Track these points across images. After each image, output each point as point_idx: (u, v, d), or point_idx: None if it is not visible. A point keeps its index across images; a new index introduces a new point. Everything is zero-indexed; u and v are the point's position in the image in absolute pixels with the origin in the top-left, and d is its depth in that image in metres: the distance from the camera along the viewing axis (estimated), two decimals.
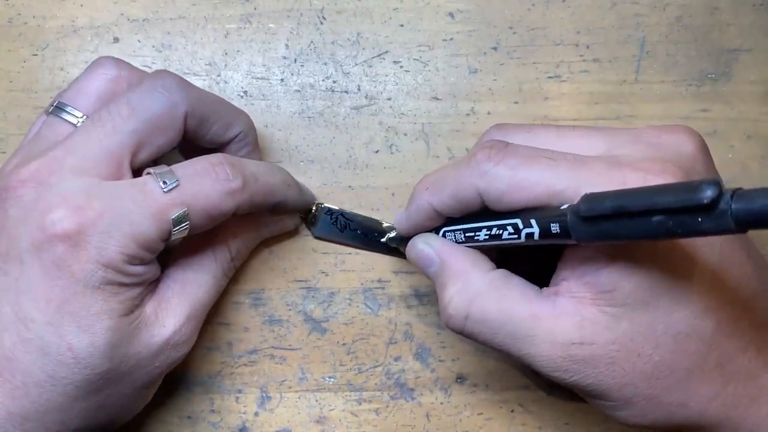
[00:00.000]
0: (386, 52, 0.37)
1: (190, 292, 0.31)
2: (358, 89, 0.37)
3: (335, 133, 0.37)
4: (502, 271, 0.29)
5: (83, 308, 0.27)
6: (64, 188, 0.28)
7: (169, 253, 0.31)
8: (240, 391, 0.36)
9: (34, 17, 0.37)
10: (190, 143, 0.32)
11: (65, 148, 0.29)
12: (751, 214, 0.19)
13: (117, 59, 0.32)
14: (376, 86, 0.37)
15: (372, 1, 0.37)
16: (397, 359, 0.36)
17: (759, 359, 0.28)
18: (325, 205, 0.36)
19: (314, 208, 0.36)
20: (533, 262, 0.31)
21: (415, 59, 0.37)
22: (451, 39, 0.37)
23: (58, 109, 0.30)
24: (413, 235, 0.32)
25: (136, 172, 0.29)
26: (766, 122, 0.37)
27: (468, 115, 0.37)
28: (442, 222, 0.30)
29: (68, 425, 0.29)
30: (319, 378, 0.36)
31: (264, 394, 0.36)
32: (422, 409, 0.36)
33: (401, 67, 0.37)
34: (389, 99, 0.37)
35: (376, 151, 0.37)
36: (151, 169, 0.29)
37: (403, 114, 0.37)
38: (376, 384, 0.36)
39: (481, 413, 0.36)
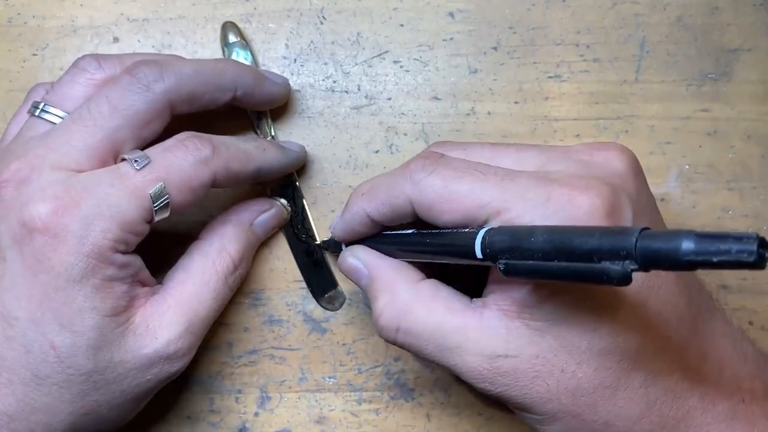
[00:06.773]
0: (386, 52, 0.37)
1: (189, 307, 0.31)
2: (358, 89, 0.37)
3: (335, 133, 0.37)
4: (430, 282, 0.29)
5: (65, 304, 0.27)
6: (43, 182, 0.28)
7: (167, 266, 0.31)
8: (240, 391, 0.36)
9: (34, 17, 0.37)
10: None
11: (45, 145, 0.29)
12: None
13: (99, 58, 0.31)
14: (376, 86, 0.37)
15: (372, 1, 0.37)
16: (397, 359, 0.36)
17: (685, 380, 0.27)
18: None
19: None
20: (464, 270, 0.31)
21: (415, 59, 0.37)
22: (451, 39, 0.37)
23: (44, 111, 0.31)
24: (347, 241, 0.32)
25: None
26: (766, 122, 0.37)
27: (468, 115, 0.37)
28: (376, 230, 0.31)
29: (54, 428, 0.29)
30: (319, 378, 0.36)
31: (264, 394, 0.36)
32: (422, 409, 0.36)
33: (401, 67, 0.37)
34: (389, 99, 0.37)
35: (376, 151, 0.37)
36: (124, 155, 0.29)
37: (403, 114, 0.37)
38: (376, 384, 0.36)
39: (481, 413, 0.36)
